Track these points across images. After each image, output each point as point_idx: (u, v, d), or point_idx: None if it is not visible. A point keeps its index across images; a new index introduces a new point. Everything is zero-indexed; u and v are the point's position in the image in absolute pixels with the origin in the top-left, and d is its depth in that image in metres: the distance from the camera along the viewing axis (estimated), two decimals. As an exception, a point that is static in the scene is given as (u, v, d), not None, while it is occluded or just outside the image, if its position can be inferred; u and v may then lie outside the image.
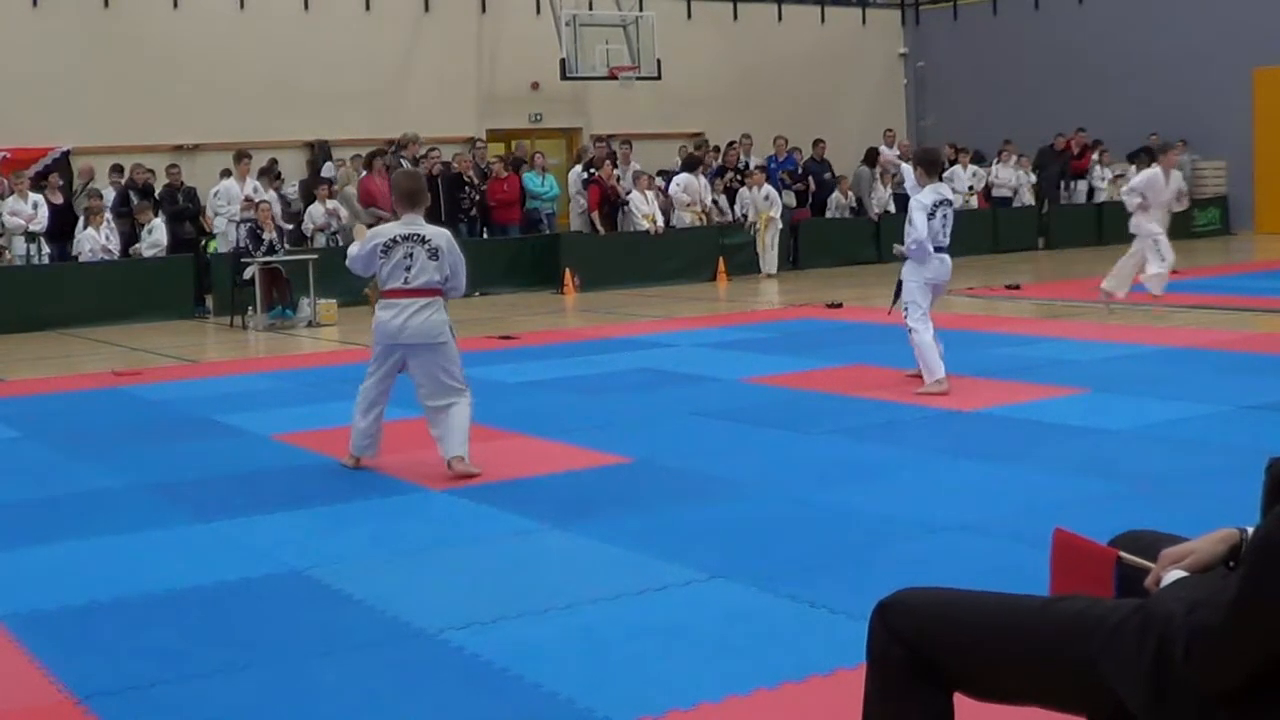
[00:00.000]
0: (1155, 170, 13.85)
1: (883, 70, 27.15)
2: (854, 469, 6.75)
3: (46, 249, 16.44)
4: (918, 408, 8.32)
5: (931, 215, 8.78)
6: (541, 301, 16.84)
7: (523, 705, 3.83)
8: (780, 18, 25.71)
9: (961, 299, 15.20)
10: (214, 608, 4.87)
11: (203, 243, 17.64)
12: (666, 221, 18.88)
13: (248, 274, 15.34)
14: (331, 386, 10.25)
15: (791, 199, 20.42)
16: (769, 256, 19.25)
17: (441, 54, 22.18)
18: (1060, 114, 23.51)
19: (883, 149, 22.10)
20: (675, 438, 7.79)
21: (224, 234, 16.93)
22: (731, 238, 19.26)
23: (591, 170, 19.24)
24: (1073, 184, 23.23)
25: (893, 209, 21.08)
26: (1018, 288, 15.75)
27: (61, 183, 17.55)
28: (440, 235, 7.05)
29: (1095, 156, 23.17)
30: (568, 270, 17.89)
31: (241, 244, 15.83)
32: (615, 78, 21.79)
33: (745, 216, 19.57)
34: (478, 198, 18.67)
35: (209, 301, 16.53)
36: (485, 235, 18.83)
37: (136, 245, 16.66)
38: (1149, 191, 13.62)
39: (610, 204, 19.23)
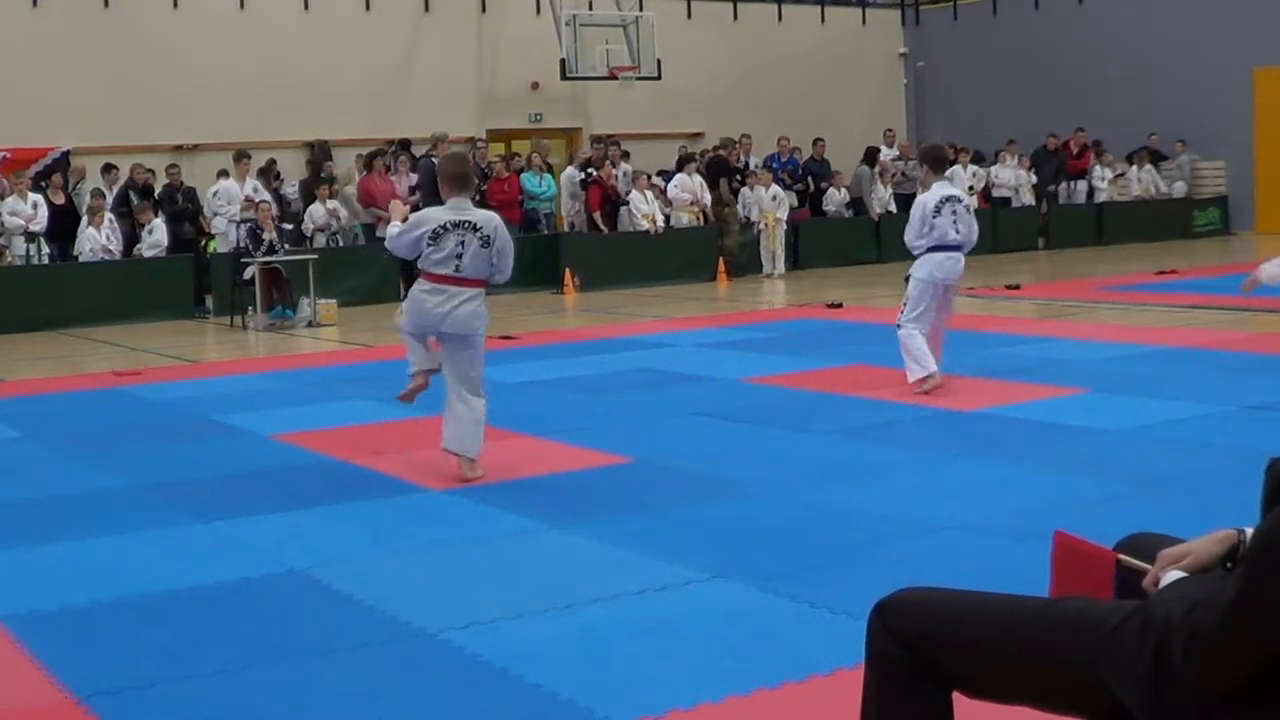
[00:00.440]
0: None
1: (883, 70, 27.15)
2: (854, 469, 6.75)
3: (46, 249, 16.44)
4: (918, 408, 8.32)
5: (937, 213, 8.72)
6: (541, 301, 16.84)
7: (523, 705, 3.83)
8: (780, 18, 25.72)
9: (962, 299, 15.18)
10: (214, 608, 4.87)
11: (202, 243, 17.65)
12: (666, 221, 18.89)
13: (248, 274, 15.34)
14: (331, 386, 10.26)
15: (792, 198, 20.43)
16: (776, 257, 19.24)
17: (441, 54, 22.17)
18: (1060, 114, 23.51)
19: (882, 149, 22.12)
20: (675, 438, 7.79)
21: (224, 234, 16.94)
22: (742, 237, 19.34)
23: (589, 171, 19.24)
24: (1072, 184, 23.23)
25: (894, 209, 21.10)
26: (1017, 288, 15.74)
27: (63, 183, 17.55)
28: (490, 222, 6.83)
29: (1095, 156, 23.16)
30: (568, 270, 17.90)
31: (241, 244, 15.83)
32: (615, 78, 21.78)
33: (748, 218, 19.57)
34: (478, 198, 18.65)
35: (209, 301, 16.52)
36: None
37: (138, 246, 16.66)
38: None
39: (610, 204, 19.24)
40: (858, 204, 21.25)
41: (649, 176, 19.51)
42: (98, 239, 16.23)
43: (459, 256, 6.68)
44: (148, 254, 16.54)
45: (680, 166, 19.93)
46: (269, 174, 18.88)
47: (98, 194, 16.85)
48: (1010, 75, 25.42)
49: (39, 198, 16.53)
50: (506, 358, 11.32)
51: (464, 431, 6.80)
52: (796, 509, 5.97)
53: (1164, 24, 23.58)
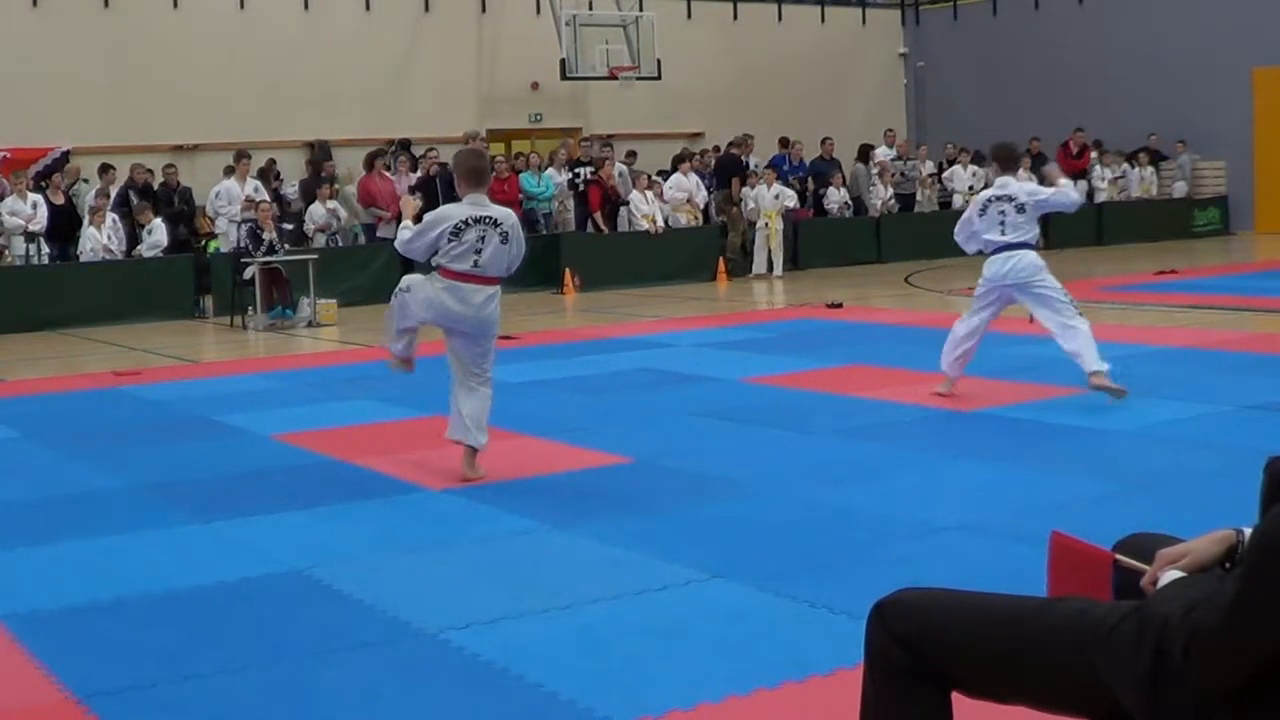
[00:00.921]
0: None
1: (883, 70, 27.15)
2: (854, 469, 6.75)
3: (46, 249, 16.44)
4: (918, 407, 8.32)
5: (983, 212, 8.42)
6: (541, 301, 16.84)
7: (523, 705, 3.83)
8: (780, 18, 25.72)
9: (962, 299, 15.20)
10: (214, 608, 4.87)
11: (201, 243, 17.65)
12: (666, 222, 18.90)
13: (248, 274, 15.34)
14: (331, 386, 10.26)
15: (793, 198, 20.43)
16: (775, 257, 19.21)
17: (441, 54, 22.18)
18: (1060, 114, 23.51)
19: (881, 148, 22.12)
20: (675, 438, 7.79)
21: (224, 234, 16.94)
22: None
23: (577, 171, 19.22)
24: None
25: (896, 208, 21.11)
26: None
27: (64, 183, 17.55)
28: (509, 217, 6.81)
29: (1095, 156, 23.15)
30: (568, 270, 17.90)
31: (241, 244, 15.83)
32: (615, 78, 21.79)
33: (751, 221, 19.57)
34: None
35: (204, 302, 16.49)
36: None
37: (138, 246, 16.66)
38: None
39: (610, 204, 19.24)
40: (858, 203, 21.26)
41: (649, 176, 19.51)
42: (99, 239, 16.23)
43: (478, 252, 6.64)
44: (147, 254, 16.54)
45: (675, 166, 19.92)
46: (269, 174, 18.88)
47: (102, 194, 16.86)
48: (1010, 75, 25.42)
49: (39, 198, 16.53)
50: (506, 358, 11.28)
51: (471, 419, 6.77)
52: (796, 509, 5.97)
53: (1164, 24, 23.58)
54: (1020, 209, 8.33)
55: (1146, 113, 23.22)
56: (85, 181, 18.02)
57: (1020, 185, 8.55)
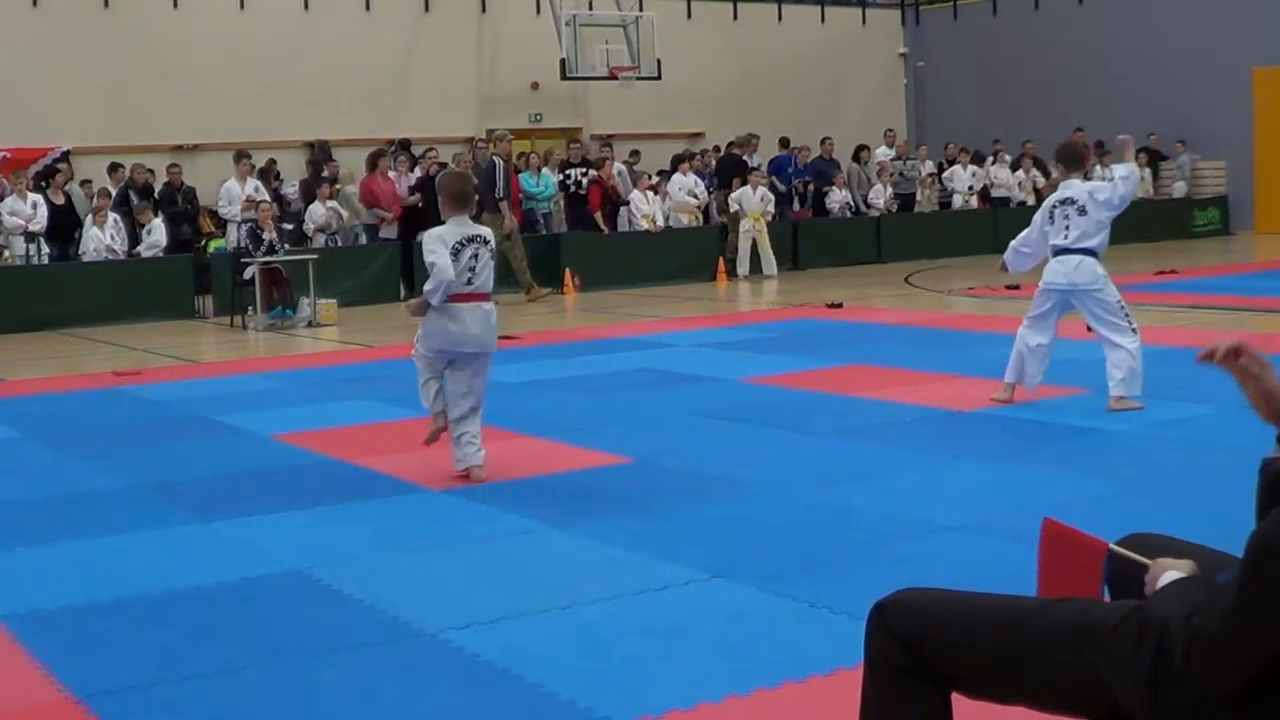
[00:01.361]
0: None
1: (883, 70, 27.15)
2: (854, 469, 6.75)
3: (46, 249, 16.44)
4: (918, 407, 8.32)
5: (1051, 219, 8.15)
6: (542, 301, 16.84)
7: (523, 705, 3.83)
8: (780, 18, 25.72)
9: (962, 299, 15.22)
10: (214, 608, 4.87)
11: (202, 243, 17.64)
12: (666, 221, 18.89)
13: (248, 274, 15.34)
14: (331, 387, 10.26)
15: (773, 201, 20.37)
16: (767, 258, 19.18)
17: (441, 54, 22.18)
18: (1060, 114, 23.48)
19: (881, 148, 22.12)
20: (675, 438, 7.79)
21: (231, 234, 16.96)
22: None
23: (568, 173, 19.22)
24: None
25: (896, 208, 21.10)
26: (1018, 288, 15.69)
27: (65, 183, 17.56)
28: (490, 234, 7.03)
29: (1095, 156, 23.14)
30: (568, 270, 17.90)
31: (241, 244, 15.83)
32: (615, 78, 21.79)
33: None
34: (478, 198, 18.63)
35: (201, 302, 16.48)
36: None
37: (138, 246, 16.66)
38: None
39: (611, 204, 19.24)
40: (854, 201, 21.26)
41: (649, 176, 19.50)
42: (101, 238, 16.23)
43: (471, 269, 6.80)
44: (147, 254, 16.54)
45: (674, 166, 19.90)
46: (269, 174, 18.88)
47: (104, 193, 16.87)
48: (1010, 75, 25.42)
49: (39, 198, 16.53)
50: (506, 358, 11.30)
51: (476, 448, 6.87)
52: (796, 509, 5.98)
53: (1164, 24, 23.58)
54: (1081, 211, 8.08)
55: (1146, 113, 23.20)
56: (85, 183, 18.01)
57: (1082, 186, 8.24)
